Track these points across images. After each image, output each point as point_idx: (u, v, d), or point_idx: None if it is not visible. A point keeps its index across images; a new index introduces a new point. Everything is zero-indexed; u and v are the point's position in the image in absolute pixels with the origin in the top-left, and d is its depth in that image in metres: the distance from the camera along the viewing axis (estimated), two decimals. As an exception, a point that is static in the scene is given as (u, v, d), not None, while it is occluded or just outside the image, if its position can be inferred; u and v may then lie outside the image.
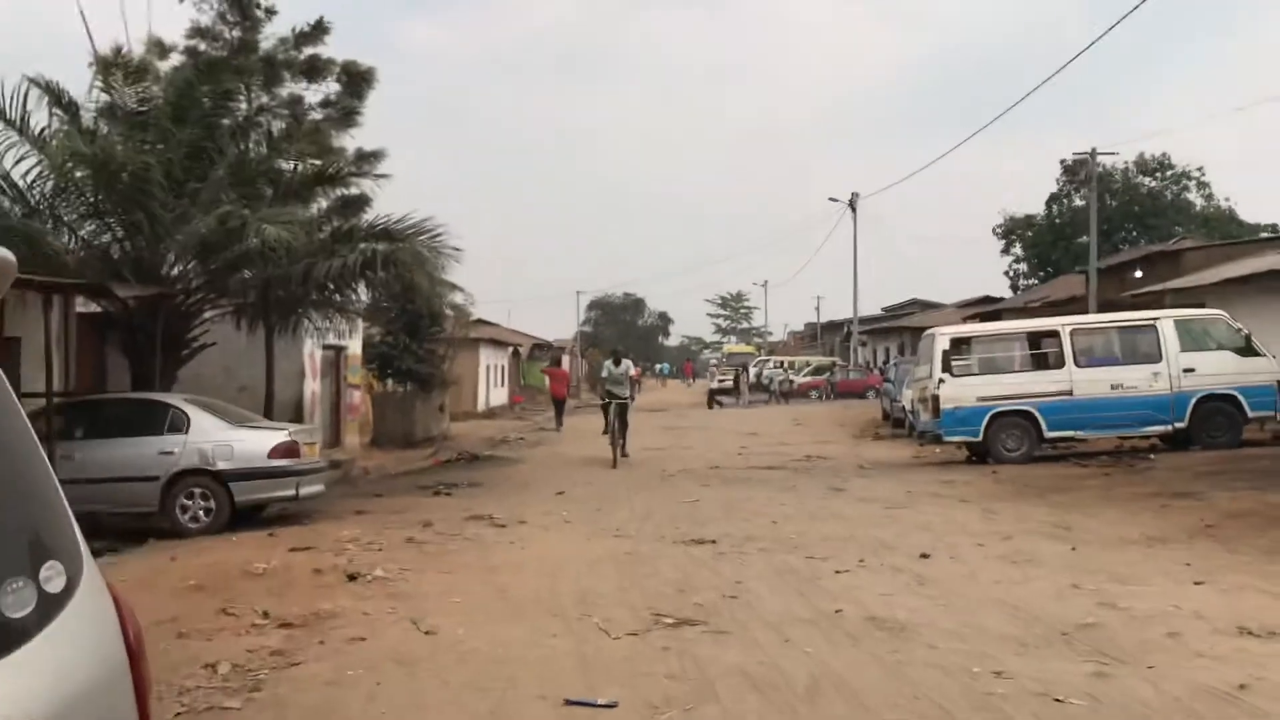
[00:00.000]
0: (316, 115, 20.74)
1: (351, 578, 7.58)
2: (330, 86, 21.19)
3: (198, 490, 12.57)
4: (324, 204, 18.39)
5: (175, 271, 15.32)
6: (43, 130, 14.41)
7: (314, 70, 20.92)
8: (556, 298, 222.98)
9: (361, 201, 20.09)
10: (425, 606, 6.82)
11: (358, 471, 22.71)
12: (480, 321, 50.86)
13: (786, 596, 7.38)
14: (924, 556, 9.31)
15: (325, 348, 23.48)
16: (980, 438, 17.45)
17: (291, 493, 12.92)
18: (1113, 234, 53.69)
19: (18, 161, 14.48)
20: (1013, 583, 7.88)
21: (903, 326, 55.47)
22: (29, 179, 14.60)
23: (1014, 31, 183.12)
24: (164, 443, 12.70)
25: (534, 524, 11.92)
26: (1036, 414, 17.37)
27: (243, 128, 15.87)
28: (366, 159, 19.53)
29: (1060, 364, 17.51)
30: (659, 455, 21.63)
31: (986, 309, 45.20)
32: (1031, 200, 78.47)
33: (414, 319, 29.62)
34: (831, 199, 55.07)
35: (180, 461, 12.58)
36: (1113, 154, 37.52)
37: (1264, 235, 37.32)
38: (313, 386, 23.11)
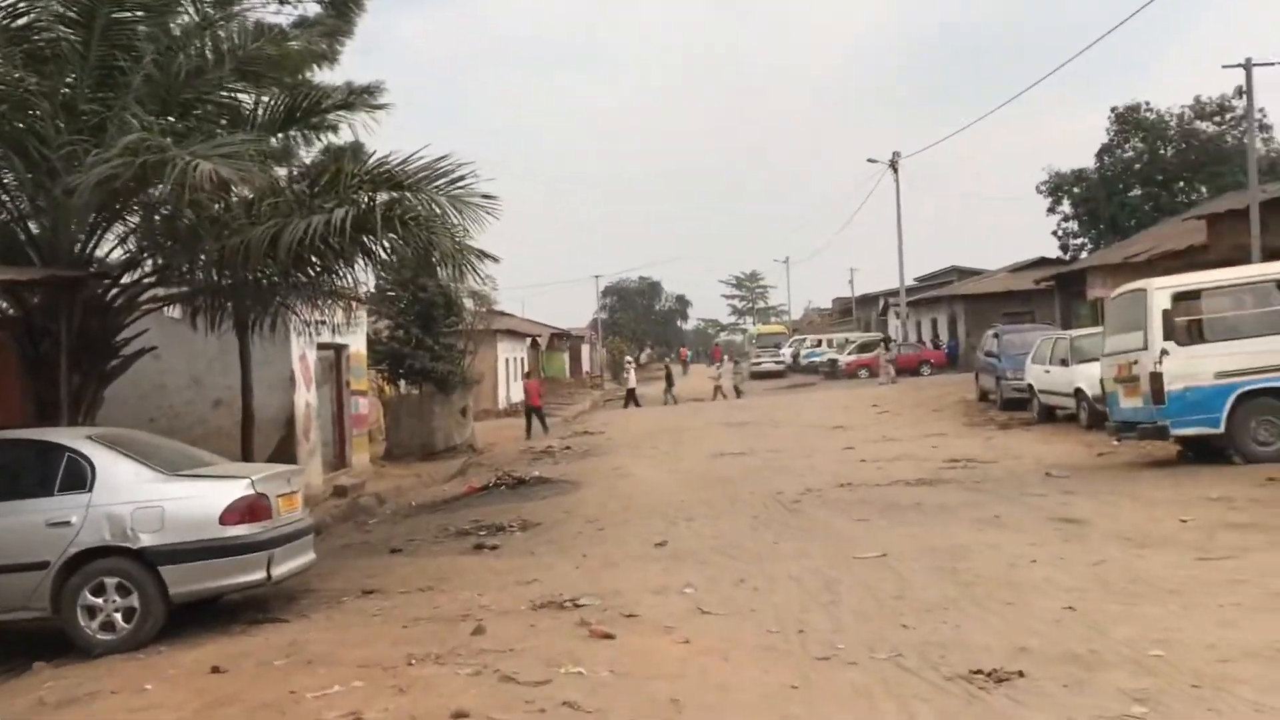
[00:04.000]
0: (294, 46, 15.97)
1: None
2: (309, 8, 16.49)
3: (110, 581, 7.88)
4: (305, 157, 13.81)
5: (90, 249, 10.65)
6: None
7: (282, -22, 16.16)
8: (572, 284, 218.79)
9: (356, 153, 15.34)
10: None
11: (368, 500, 18.09)
12: (498, 312, 46.36)
13: None
14: None
15: (321, 347, 18.75)
16: (1222, 428, 12.62)
17: (260, 575, 8.22)
18: (1169, 184, 48.98)
19: None
20: None
21: (952, 295, 50.67)
22: None
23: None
24: (55, 507, 8.03)
25: (649, 619, 7.25)
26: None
27: (178, 41, 11.12)
28: (358, 94, 14.80)
29: None
30: (755, 467, 16.90)
31: (1052, 271, 40.02)
32: (1075, 157, 72.91)
33: (427, 308, 25.15)
34: (870, 160, 49.91)
35: (80, 536, 7.90)
36: (1270, 63, 29.59)
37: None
38: (306, 396, 18.38)
